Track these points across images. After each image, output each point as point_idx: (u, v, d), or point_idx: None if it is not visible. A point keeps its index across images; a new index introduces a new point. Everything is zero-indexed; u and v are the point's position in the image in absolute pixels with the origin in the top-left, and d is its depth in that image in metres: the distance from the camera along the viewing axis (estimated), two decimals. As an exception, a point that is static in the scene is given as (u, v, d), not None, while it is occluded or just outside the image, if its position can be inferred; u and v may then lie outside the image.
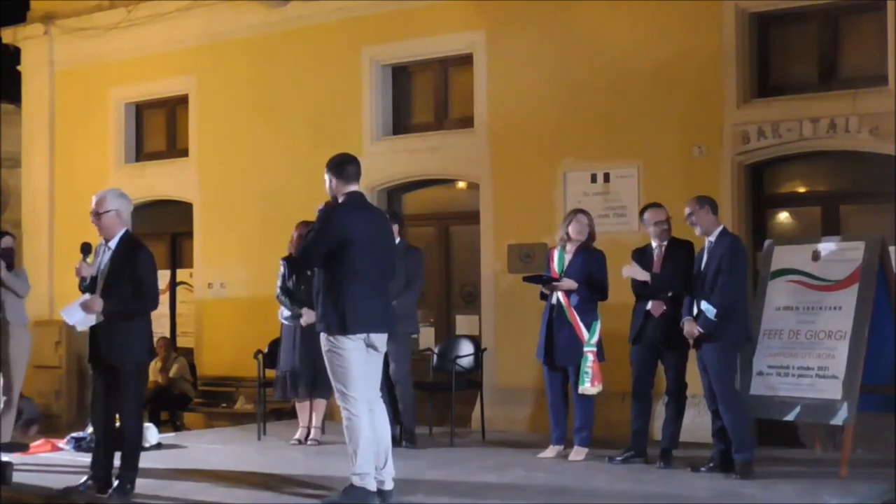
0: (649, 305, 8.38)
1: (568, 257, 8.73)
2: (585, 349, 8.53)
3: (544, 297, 8.79)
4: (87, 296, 7.16)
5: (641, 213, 8.73)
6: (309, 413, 9.81)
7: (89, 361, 7.38)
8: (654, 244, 8.54)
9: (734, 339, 7.88)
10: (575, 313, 8.57)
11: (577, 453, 8.66)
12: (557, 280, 8.64)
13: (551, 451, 8.80)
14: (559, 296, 8.65)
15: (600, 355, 8.61)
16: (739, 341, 7.97)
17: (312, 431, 9.77)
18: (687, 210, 8.03)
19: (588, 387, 8.51)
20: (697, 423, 9.27)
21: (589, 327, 8.57)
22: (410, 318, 9.55)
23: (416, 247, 9.95)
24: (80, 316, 7.16)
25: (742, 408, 7.96)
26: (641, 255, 8.56)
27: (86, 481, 7.38)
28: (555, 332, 8.64)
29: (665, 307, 8.32)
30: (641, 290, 8.44)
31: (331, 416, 10.00)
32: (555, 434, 8.83)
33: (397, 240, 9.48)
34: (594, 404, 8.69)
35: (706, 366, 7.90)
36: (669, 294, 8.31)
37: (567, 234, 8.76)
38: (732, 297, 7.79)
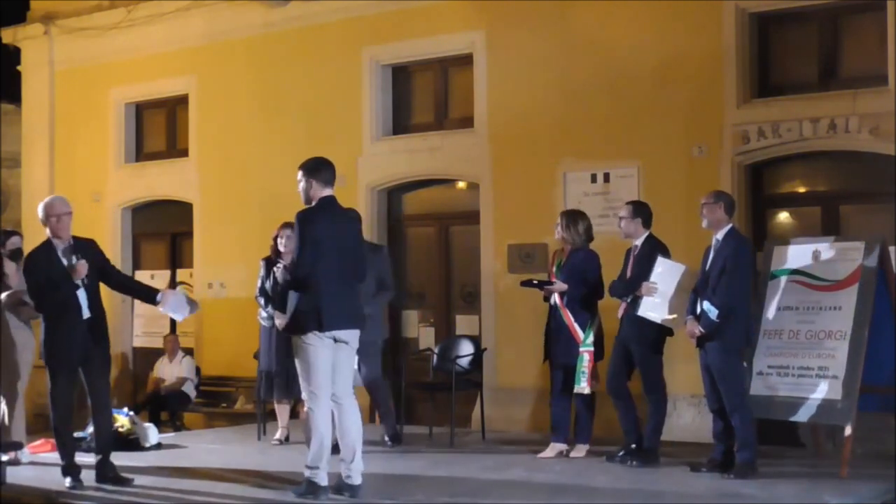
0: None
1: (563, 258, 8.81)
2: (581, 349, 8.56)
3: (546, 299, 8.87)
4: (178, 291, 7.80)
5: None
6: (288, 413, 9.84)
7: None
8: (633, 243, 8.62)
9: (735, 341, 7.86)
10: (569, 313, 8.63)
11: (578, 451, 8.74)
12: (550, 283, 8.72)
13: (551, 451, 8.80)
14: (555, 297, 8.74)
15: (599, 354, 8.63)
16: (740, 343, 7.95)
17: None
18: (703, 200, 8.06)
19: (584, 386, 8.54)
20: (697, 423, 9.27)
21: (584, 327, 8.60)
22: (376, 323, 9.14)
23: (380, 245, 9.88)
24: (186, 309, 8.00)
25: (749, 408, 7.95)
26: (628, 254, 8.66)
27: (75, 479, 7.65)
28: (552, 333, 8.76)
29: (626, 307, 8.41)
30: (613, 292, 8.57)
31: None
32: (555, 433, 8.85)
33: None
34: (595, 403, 8.70)
35: (709, 367, 7.89)
36: (629, 298, 8.39)
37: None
38: (734, 298, 7.76)
